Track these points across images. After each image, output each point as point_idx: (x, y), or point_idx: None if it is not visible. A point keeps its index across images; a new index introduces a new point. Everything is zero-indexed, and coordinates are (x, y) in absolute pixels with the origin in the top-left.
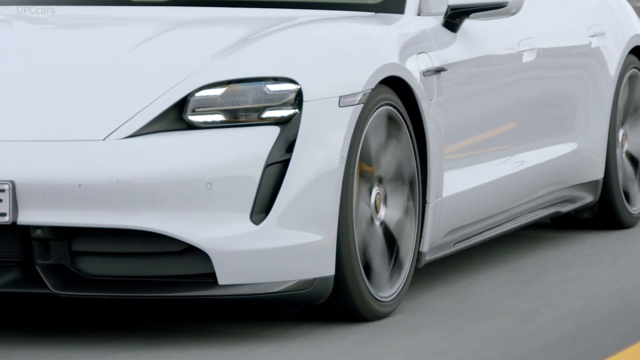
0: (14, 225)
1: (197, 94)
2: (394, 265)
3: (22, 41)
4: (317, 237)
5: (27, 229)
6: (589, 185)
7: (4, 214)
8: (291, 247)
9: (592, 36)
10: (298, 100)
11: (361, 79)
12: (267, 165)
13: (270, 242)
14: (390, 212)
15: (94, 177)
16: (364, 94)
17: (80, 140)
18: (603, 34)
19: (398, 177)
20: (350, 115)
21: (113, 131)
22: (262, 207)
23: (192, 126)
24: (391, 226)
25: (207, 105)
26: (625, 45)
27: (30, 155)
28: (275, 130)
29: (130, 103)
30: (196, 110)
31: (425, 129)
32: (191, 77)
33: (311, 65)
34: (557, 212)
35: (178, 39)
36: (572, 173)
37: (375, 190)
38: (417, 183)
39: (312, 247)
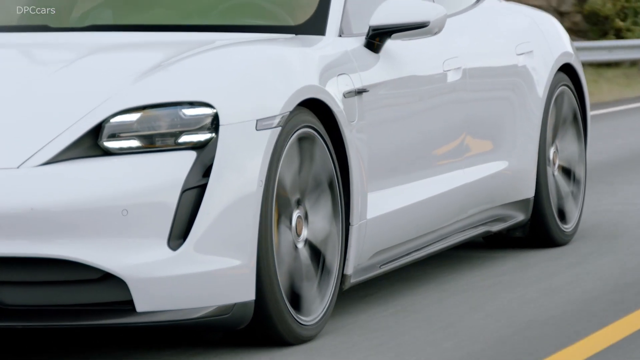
0: None
1: (112, 120)
2: (319, 285)
3: None
4: (236, 262)
5: None
6: (520, 204)
7: None
8: (210, 272)
9: (519, 54)
10: (214, 124)
11: (278, 102)
12: (183, 191)
13: (188, 268)
14: (313, 227)
15: (8, 205)
16: (282, 117)
17: None
18: (531, 52)
19: (315, 189)
20: (267, 138)
21: (27, 159)
22: (180, 233)
23: (107, 152)
24: (315, 242)
25: (123, 131)
26: (554, 63)
27: None
28: (191, 155)
29: (46, 130)
30: (111, 136)
31: (347, 152)
32: (106, 103)
33: (227, 88)
34: (488, 232)
35: (94, 65)
36: (502, 192)
37: (295, 214)
38: (340, 203)
39: (231, 272)
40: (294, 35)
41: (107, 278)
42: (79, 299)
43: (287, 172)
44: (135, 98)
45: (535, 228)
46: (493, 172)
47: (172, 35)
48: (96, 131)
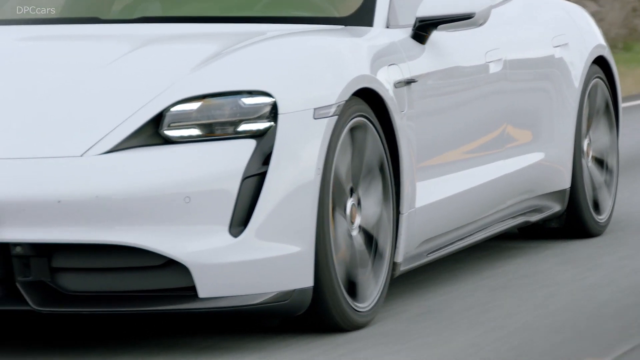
0: None
1: (172, 109)
2: (373, 264)
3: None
4: (296, 249)
5: (7, 246)
6: (556, 195)
7: None
8: (270, 259)
9: (556, 46)
10: (273, 113)
11: (335, 91)
12: (244, 178)
13: (249, 255)
14: (365, 213)
15: (73, 193)
16: (338, 106)
17: (58, 157)
18: (566, 44)
19: (367, 175)
20: (325, 127)
21: (90, 147)
22: (240, 220)
23: (168, 141)
24: (368, 227)
25: (183, 120)
26: (589, 55)
27: (8, 173)
28: (251, 144)
29: (107, 119)
30: (172, 125)
31: (397, 140)
32: (167, 92)
33: (285, 78)
34: (526, 222)
35: (152, 55)
36: (539, 183)
37: (349, 202)
38: (391, 191)
39: (291, 259)
40: (342, 26)
41: (169, 264)
42: (142, 285)
43: (342, 160)
44: (195, 87)
45: (571, 219)
46: (532, 163)
47: (221, 26)
48: (157, 120)
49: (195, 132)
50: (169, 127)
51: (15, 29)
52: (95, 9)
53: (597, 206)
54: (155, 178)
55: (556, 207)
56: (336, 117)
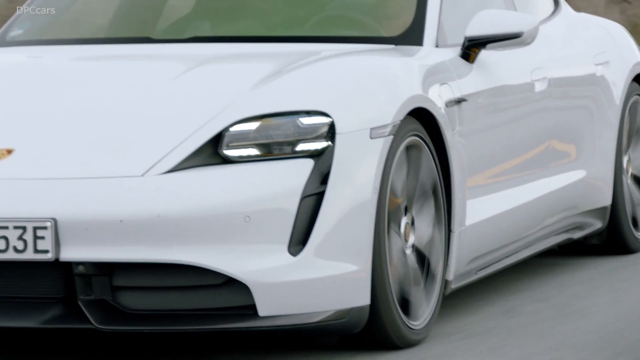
0: (56, 261)
1: (231, 129)
2: (425, 287)
3: (56, 79)
4: (353, 267)
5: (70, 265)
6: (598, 212)
7: (46, 251)
8: (328, 277)
9: (597, 64)
10: (331, 133)
11: (390, 110)
12: (303, 198)
13: (308, 273)
14: (419, 233)
15: (134, 212)
16: (394, 126)
17: (119, 176)
18: (607, 62)
19: (421, 195)
20: (381, 146)
21: (151, 167)
22: (299, 239)
23: (227, 160)
24: (421, 246)
25: (242, 140)
26: (629, 73)
27: (71, 192)
28: (309, 163)
29: (167, 139)
30: (231, 144)
31: (449, 158)
32: (225, 112)
33: (342, 98)
34: (569, 239)
35: (209, 74)
36: (581, 200)
37: (404, 221)
38: (443, 209)
39: (349, 277)
40: (393, 46)
41: (229, 283)
42: (202, 304)
43: (397, 179)
44: (253, 107)
45: (612, 236)
46: (574, 180)
47: (273, 46)
48: (216, 140)
49: (253, 151)
50: (228, 147)
51: (67, 49)
52: (141, 27)
53: (635, 223)
54: (216, 197)
55: (597, 224)
56: (392, 137)
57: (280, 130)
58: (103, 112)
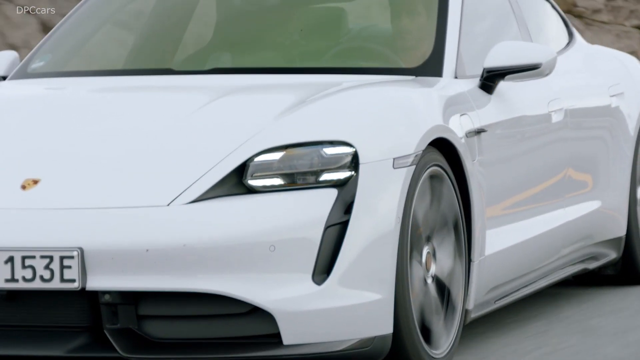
0: (83, 290)
1: (256, 159)
2: (445, 318)
3: (79, 111)
4: (377, 296)
5: (96, 294)
6: (613, 242)
7: (73, 280)
8: (352, 306)
9: (612, 96)
10: (354, 163)
11: (412, 140)
12: (327, 227)
13: (332, 302)
14: (440, 264)
15: (161, 242)
16: (416, 156)
17: (145, 206)
18: (622, 93)
19: (443, 227)
20: (404, 176)
21: (176, 197)
22: (323, 268)
23: (251, 190)
24: (442, 277)
25: (266, 170)
26: None
27: (97, 222)
28: (333, 193)
29: (191, 168)
30: (255, 174)
31: (469, 188)
32: (249, 142)
33: (365, 128)
34: (585, 269)
35: (232, 105)
36: (596, 230)
37: (425, 250)
38: (463, 239)
39: (372, 306)
40: (413, 77)
41: (254, 312)
42: (227, 333)
43: (420, 209)
44: (277, 137)
45: (627, 266)
46: (590, 211)
47: (294, 77)
48: (241, 170)
49: (278, 181)
50: (253, 177)
51: (88, 80)
52: (160, 58)
53: None
54: (241, 227)
55: (612, 255)
56: (414, 167)
57: (304, 160)
58: (128, 143)
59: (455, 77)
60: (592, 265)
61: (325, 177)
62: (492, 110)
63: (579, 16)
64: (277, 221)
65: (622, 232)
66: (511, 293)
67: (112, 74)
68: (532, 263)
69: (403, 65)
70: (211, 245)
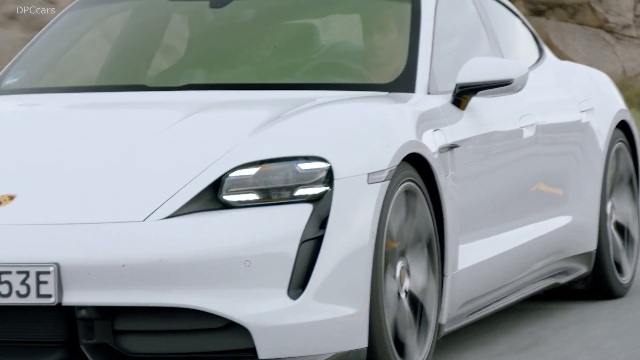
0: (59, 306)
1: (231, 175)
2: (418, 334)
3: (55, 126)
4: (352, 311)
5: (72, 309)
6: (583, 257)
7: (49, 296)
8: (327, 320)
9: (582, 111)
10: (329, 178)
11: (387, 156)
12: (302, 242)
13: (308, 317)
14: (414, 280)
15: (137, 257)
16: (390, 171)
17: (121, 221)
18: (592, 109)
19: (417, 241)
20: (378, 191)
21: (152, 212)
22: (299, 283)
23: (227, 205)
24: (416, 293)
25: (241, 185)
26: (613, 120)
27: (73, 237)
28: (308, 208)
29: (167, 184)
30: (230, 190)
31: (442, 204)
32: (224, 158)
33: (339, 143)
34: (556, 284)
35: (207, 121)
36: (567, 245)
37: (399, 264)
38: (437, 254)
39: (347, 321)
40: (386, 92)
41: (230, 327)
42: (203, 347)
43: (394, 224)
44: (252, 153)
45: (597, 280)
46: (561, 225)
47: (267, 93)
48: (216, 185)
49: (253, 197)
50: (228, 192)
51: (62, 97)
52: (133, 75)
53: (619, 268)
54: (217, 242)
55: (583, 269)
56: (388, 182)
57: (279, 176)
58: (104, 159)
59: (428, 93)
60: (563, 280)
61: (300, 192)
62: (464, 125)
63: (609, 31)
64: (252, 236)
65: (592, 247)
66: (483, 307)
67: (86, 90)
68: (504, 277)
69: (376, 81)
70: (187, 260)
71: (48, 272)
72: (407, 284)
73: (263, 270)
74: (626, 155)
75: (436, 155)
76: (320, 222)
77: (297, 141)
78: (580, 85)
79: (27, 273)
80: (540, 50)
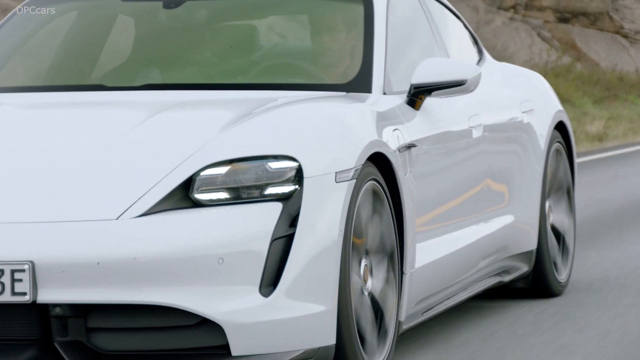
0: (33, 304)
1: (202, 173)
2: (379, 333)
3: (21, 125)
4: (321, 308)
5: (46, 307)
6: (525, 255)
7: (24, 293)
8: (298, 317)
9: (524, 112)
10: (298, 177)
11: (353, 155)
12: (273, 240)
13: (279, 314)
14: (376, 283)
15: (111, 255)
16: (356, 170)
17: (95, 220)
18: (532, 110)
19: (380, 250)
20: (345, 190)
21: (125, 210)
22: (270, 280)
23: (198, 204)
24: (377, 296)
25: (212, 184)
26: (551, 121)
27: (47, 235)
28: (278, 207)
29: (139, 182)
30: (201, 188)
31: (402, 202)
32: (195, 156)
33: (308, 143)
34: (500, 282)
35: (174, 120)
36: (510, 244)
37: (363, 262)
38: (397, 255)
39: (317, 317)
40: (344, 92)
41: (203, 324)
42: (177, 344)
43: (359, 221)
44: (222, 152)
45: (537, 279)
46: (505, 224)
47: (229, 93)
48: (187, 184)
49: (223, 195)
50: (199, 191)
51: (15, 96)
52: (78, 75)
53: (556, 266)
54: (189, 240)
55: (524, 268)
56: (355, 180)
57: (249, 175)
58: (74, 157)
59: (384, 93)
60: (507, 278)
61: (270, 190)
62: (419, 125)
63: (625, 36)
64: (225, 234)
65: (533, 245)
66: (436, 305)
67: (41, 89)
68: (455, 275)
69: (328, 81)
70: (160, 258)
71: (23, 270)
72: (369, 284)
73: (235, 268)
74: (564, 161)
75: (397, 154)
76: (290, 220)
77: (266, 140)
78: (520, 86)
79: (2, 271)
80: (480, 52)
